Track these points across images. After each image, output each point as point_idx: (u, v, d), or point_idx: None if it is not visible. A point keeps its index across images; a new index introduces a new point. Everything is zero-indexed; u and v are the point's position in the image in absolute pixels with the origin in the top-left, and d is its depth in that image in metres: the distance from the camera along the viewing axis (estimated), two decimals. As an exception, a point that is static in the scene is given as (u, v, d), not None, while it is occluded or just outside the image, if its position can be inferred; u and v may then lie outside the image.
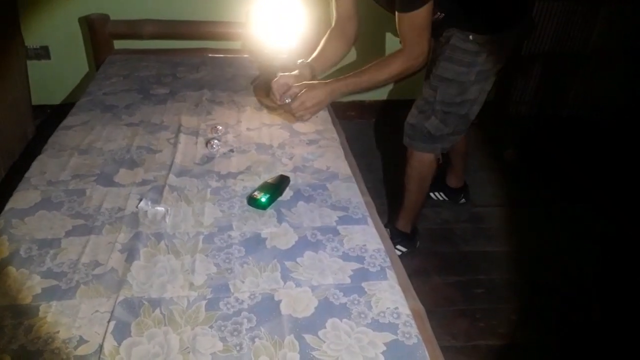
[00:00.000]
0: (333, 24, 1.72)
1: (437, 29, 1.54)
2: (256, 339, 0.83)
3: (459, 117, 1.68)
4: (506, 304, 1.75)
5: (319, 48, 1.71)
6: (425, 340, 0.88)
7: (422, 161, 1.79)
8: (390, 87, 2.86)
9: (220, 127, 1.56)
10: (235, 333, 0.84)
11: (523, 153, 2.63)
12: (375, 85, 1.57)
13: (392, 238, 1.92)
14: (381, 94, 2.87)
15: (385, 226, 1.97)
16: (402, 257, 1.91)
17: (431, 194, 2.23)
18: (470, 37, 1.54)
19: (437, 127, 1.69)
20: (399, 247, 1.93)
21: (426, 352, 0.83)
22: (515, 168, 2.58)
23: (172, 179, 1.28)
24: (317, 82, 1.56)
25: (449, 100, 1.64)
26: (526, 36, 2.48)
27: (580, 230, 2.14)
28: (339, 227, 1.16)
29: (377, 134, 2.77)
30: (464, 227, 2.14)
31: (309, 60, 1.68)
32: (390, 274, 1.03)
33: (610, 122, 2.86)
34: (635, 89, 2.79)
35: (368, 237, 1.14)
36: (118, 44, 2.34)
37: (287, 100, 1.52)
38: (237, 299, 0.91)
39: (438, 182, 2.21)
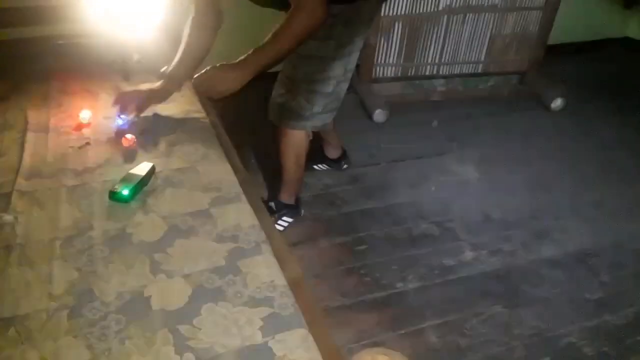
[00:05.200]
0: (193, 13, 1.50)
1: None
2: (126, 340, 0.79)
3: (325, 96, 1.69)
4: (387, 257, 1.86)
5: (182, 45, 1.50)
6: (303, 308, 0.90)
7: (293, 139, 1.80)
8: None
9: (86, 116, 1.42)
10: (103, 338, 0.79)
11: (392, 112, 2.76)
12: (282, 53, 1.36)
13: (277, 211, 1.95)
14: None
15: (270, 200, 1.99)
16: (289, 227, 1.94)
17: (315, 167, 2.28)
18: None
19: (303, 107, 1.69)
20: (284, 218, 1.95)
21: (303, 320, 0.85)
22: (384, 127, 2.70)
23: (21, 183, 1.16)
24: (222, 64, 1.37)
25: (311, 78, 1.64)
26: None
27: (449, 178, 2.32)
28: (212, 210, 1.13)
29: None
30: (344, 189, 2.21)
31: (173, 63, 1.47)
32: (265, 247, 1.03)
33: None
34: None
35: (242, 215, 1.13)
36: None
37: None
38: (103, 303, 0.86)
39: (318, 155, 2.26)
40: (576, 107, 2.98)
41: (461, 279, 1.79)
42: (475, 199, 2.19)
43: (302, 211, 2.02)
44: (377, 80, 3.03)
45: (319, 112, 1.73)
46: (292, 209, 1.99)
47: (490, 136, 2.67)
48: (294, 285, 0.97)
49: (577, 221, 2.10)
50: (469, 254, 1.90)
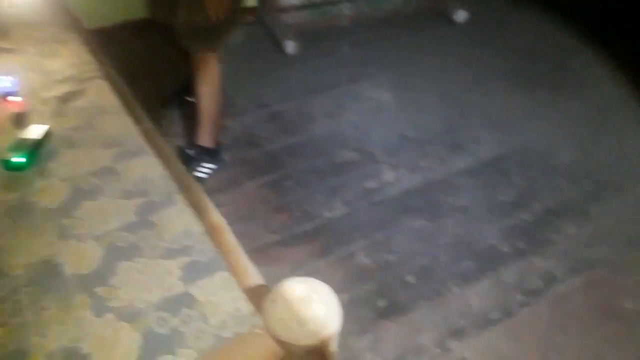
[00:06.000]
0: None
1: None
2: (42, 311, 0.76)
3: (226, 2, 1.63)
4: (312, 189, 1.88)
5: None
6: (225, 251, 0.90)
7: (207, 64, 1.75)
8: None
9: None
10: (17, 313, 0.76)
11: (303, 42, 2.70)
12: None
13: (197, 158, 1.89)
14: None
15: (189, 148, 1.92)
16: (214, 173, 1.90)
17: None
18: None
19: (208, 19, 1.63)
20: (206, 165, 1.91)
21: (223, 263, 0.84)
22: (296, 58, 2.65)
23: None
24: None
25: None
26: None
27: (365, 103, 2.34)
28: (117, 165, 1.08)
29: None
30: (265, 127, 2.18)
31: None
32: (178, 198, 1.00)
33: None
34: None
35: (149, 168, 1.08)
36: None
37: None
38: (10, 277, 0.81)
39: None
40: (481, 18, 3.04)
41: (385, 199, 1.86)
42: (391, 121, 2.24)
43: (225, 157, 1.98)
44: (284, 10, 2.92)
45: (225, 23, 1.68)
46: (213, 154, 1.94)
47: (401, 57, 2.69)
48: (213, 231, 0.96)
49: (488, 130, 2.20)
50: (389, 175, 1.96)
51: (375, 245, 1.67)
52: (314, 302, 0.70)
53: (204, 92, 1.80)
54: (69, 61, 1.45)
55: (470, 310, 1.49)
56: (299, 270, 1.57)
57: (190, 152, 1.90)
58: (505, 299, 1.53)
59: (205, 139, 1.91)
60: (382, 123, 2.23)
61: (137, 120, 1.26)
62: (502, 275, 1.60)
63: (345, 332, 1.41)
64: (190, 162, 1.88)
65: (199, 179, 1.87)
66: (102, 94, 1.31)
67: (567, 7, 3.07)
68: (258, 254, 1.61)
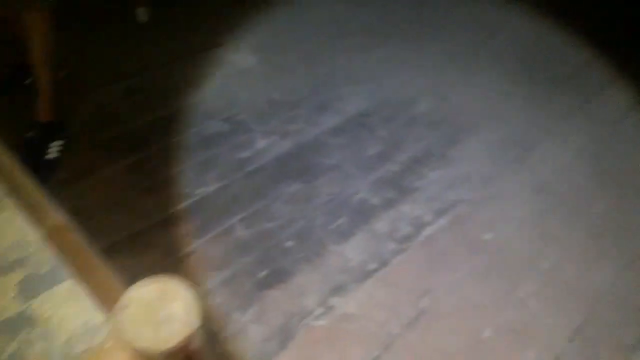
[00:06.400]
0: None
1: None
2: None
3: None
4: (181, 166, 1.79)
5: None
6: (72, 256, 0.82)
7: (34, 26, 1.59)
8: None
9: None
10: None
11: (155, 8, 2.51)
12: None
13: (44, 137, 1.70)
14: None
15: (28, 133, 1.72)
16: (68, 157, 1.73)
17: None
18: None
19: None
20: (55, 143, 1.73)
21: (69, 270, 0.76)
22: (149, 27, 2.46)
23: None
24: None
25: None
26: None
27: (230, 69, 2.25)
28: None
29: None
30: (122, 104, 2.01)
31: None
32: (9, 202, 0.88)
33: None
34: None
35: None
36: None
37: None
38: None
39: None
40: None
41: (259, 167, 1.83)
42: (258, 86, 2.19)
43: (69, 131, 1.80)
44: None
45: None
46: (58, 128, 1.78)
47: (261, 18, 2.61)
48: (56, 234, 0.87)
49: (352, 87, 2.24)
50: (262, 142, 1.93)
51: (253, 215, 1.65)
52: (169, 302, 0.66)
53: (39, 60, 1.65)
54: None
55: (349, 265, 1.55)
56: (175, 253, 1.51)
57: (32, 134, 1.71)
58: (380, 249, 1.61)
59: (47, 113, 1.75)
60: (249, 88, 2.17)
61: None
62: (375, 227, 1.67)
63: (230, 308, 1.40)
64: (36, 147, 1.70)
65: (52, 162, 1.71)
66: None
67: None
68: (129, 243, 1.52)
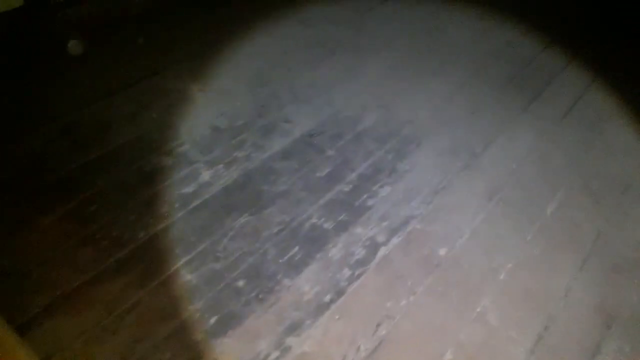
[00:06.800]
0: None
1: None
2: None
3: None
4: (122, 208, 1.70)
5: None
6: None
7: None
8: None
9: None
10: None
11: (90, 40, 2.40)
12: None
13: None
14: None
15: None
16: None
17: None
18: None
19: None
20: None
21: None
22: (85, 59, 2.36)
23: None
24: None
25: None
26: None
27: (170, 98, 2.17)
28: None
29: None
30: (56, 146, 1.91)
31: None
32: None
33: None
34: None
35: None
36: None
37: None
38: None
39: None
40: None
41: (204, 202, 1.76)
42: (200, 114, 2.12)
43: None
44: (64, 4, 2.55)
45: None
46: None
47: (202, 40, 2.55)
48: None
49: (298, 106, 2.20)
50: (206, 174, 1.86)
51: (199, 256, 1.58)
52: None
53: None
54: None
55: (304, 299, 1.50)
56: (117, 308, 1.42)
57: None
58: (335, 278, 1.56)
59: None
60: (191, 117, 2.10)
61: None
62: (329, 254, 1.63)
63: (181, 363, 1.33)
64: None
65: None
66: None
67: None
68: (67, 301, 1.42)
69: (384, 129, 2.11)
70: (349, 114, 2.18)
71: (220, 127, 2.06)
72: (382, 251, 1.65)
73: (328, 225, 1.71)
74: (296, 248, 1.63)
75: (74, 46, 2.37)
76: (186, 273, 1.53)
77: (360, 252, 1.64)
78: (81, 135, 1.97)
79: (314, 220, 1.73)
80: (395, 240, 1.69)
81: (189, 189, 1.80)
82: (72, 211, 1.68)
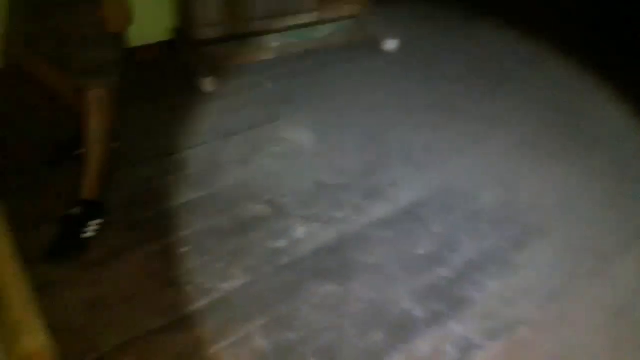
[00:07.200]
0: None
1: None
2: None
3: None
4: (210, 255, 1.68)
5: None
6: None
7: (100, 102, 1.63)
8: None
9: None
10: None
11: (222, 79, 2.52)
12: None
13: (84, 216, 1.68)
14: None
15: (71, 210, 1.69)
16: (96, 238, 1.68)
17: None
18: None
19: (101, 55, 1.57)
20: (93, 222, 1.71)
21: None
22: (214, 97, 2.47)
23: None
24: None
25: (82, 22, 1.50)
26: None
27: (282, 146, 2.16)
28: None
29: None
30: (165, 181, 1.97)
31: None
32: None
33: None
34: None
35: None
36: None
37: None
38: None
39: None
40: (411, 47, 2.94)
41: (292, 261, 1.68)
42: (308, 166, 2.08)
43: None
44: (202, 42, 2.73)
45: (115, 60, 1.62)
46: (100, 208, 1.75)
47: (324, 92, 2.55)
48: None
49: (408, 170, 2.06)
50: (300, 231, 1.79)
51: (276, 321, 1.49)
52: None
53: (94, 137, 1.66)
54: None
55: (376, 396, 1.33)
56: (183, 362, 1.37)
57: (75, 210, 1.69)
58: (417, 379, 1.37)
59: (93, 191, 1.73)
60: (298, 168, 2.07)
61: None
62: (415, 347, 1.44)
63: None
64: (75, 225, 1.68)
65: (86, 241, 1.67)
66: None
67: (499, 35, 3.00)
68: (137, 345, 1.40)
69: (502, 213, 1.88)
70: (464, 188, 1.99)
71: (324, 182, 2.00)
72: (476, 356, 1.43)
73: (419, 314, 1.53)
74: (379, 333, 1.47)
75: (206, 83, 2.50)
76: (260, 337, 1.44)
77: (451, 353, 1.43)
78: (192, 172, 2.02)
79: (404, 304, 1.56)
80: (494, 346, 1.45)
81: (280, 244, 1.73)
82: (162, 250, 1.69)
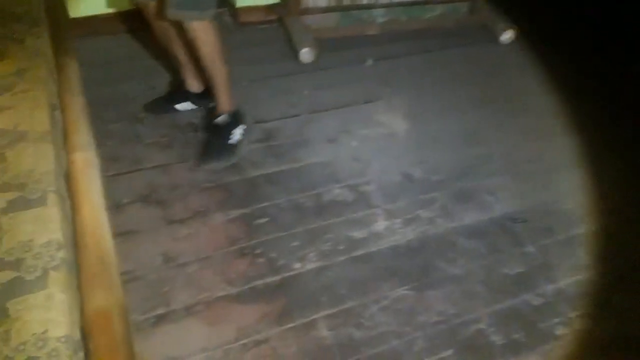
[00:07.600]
0: None
1: None
2: None
3: None
4: (289, 230, 1.64)
5: None
6: (107, 349, 0.70)
7: (203, 31, 1.64)
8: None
9: None
10: None
11: (322, 51, 2.43)
12: None
13: (228, 124, 1.85)
14: None
15: (216, 117, 1.85)
16: (178, 200, 1.69)
17: (177, 107, 2.04)
18: None
19: None
20: (237, 131, 1.88)
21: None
22: (311, 69, 2.39)
23: None
24: None
25: None
26: None
27: (373, 130, 2.06)
28: (3, 219, 0.88)
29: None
30: (253, 149, 1.94)
31: None
32: (54, 278, 0.79)
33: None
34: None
35: (40, 227, 0.88)
36: None
37: None
38: None
39: (179, 93, 2.05)
40: (529, 41, 2.68)
41: (368, 254, 1.60)
42: (398, 155, 1.96)
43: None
44: (307, 11, 2.66)
45: None
46: (238, 116, 1.90)
47: (428, 77, 2.39)
48: (98, 319, 0.77)
49: (510, 179, 1.90)
50: (381, 224, 1.70)
51: (343, 315, 1.43)
52: None
53: (210, 58, 1.72)
54: (18, 65, 1.25)
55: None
56: (245, 337, 1.35)
57: (222, 119, 1.86)
58: (484, 411, 1.26)
59: (226, 104, 1.86)
60: (387, 156, 1.96)
61: (79, 147, 1.09)
62: (486, 376, 1.33)
63: None
64: (224, 131, 1.86)
65: (235, 146, 1.86)
66: (31, 114, 1.12)
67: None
68: (205, 308, 1.40)
69: (609, 246, 1.68)
70: (569, 208, 1.80)
71: (413, 176, 1.88)
72: (555, 401, 1.29)
73: (497, 339, 1.41)
74: (449, 352, 1.37)
75: (305, 54, 2.43)
76: (324, 327, 1.39)
77: (526, 390, 1.31)
78: (280, 144, 1.98)
79: (482, 325, 1.44)
80: (577, 394, 1.31)
81: (359, 234, 1.66)
82: (244, 216, 1.68)
